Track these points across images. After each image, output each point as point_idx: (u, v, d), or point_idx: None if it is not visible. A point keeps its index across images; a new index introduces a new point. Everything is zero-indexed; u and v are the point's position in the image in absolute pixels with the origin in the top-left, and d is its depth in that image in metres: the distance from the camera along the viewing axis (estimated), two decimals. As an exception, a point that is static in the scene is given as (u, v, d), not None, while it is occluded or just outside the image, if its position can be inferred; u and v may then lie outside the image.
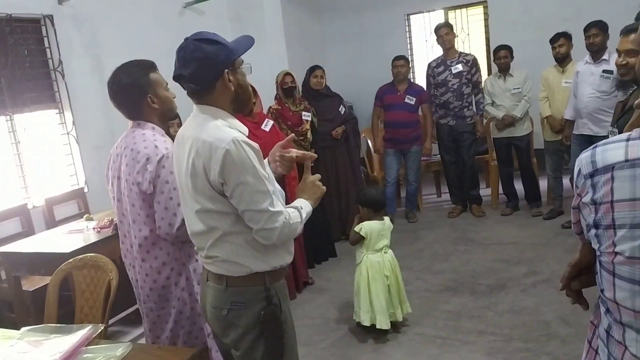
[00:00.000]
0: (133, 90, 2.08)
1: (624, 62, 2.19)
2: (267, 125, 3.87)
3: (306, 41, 6.91)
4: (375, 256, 3.28)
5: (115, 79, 2.11)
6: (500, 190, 5.57)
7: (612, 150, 0.94)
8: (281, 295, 1.76)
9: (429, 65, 5.36)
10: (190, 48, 1.64)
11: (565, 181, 4.93)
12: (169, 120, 2.28)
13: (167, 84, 2.17)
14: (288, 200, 3.49)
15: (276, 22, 5.52)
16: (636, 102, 1.16)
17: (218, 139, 1.59)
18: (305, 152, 1.97)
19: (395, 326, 3.32)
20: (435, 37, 5.27)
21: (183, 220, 1.96)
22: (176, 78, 1.70)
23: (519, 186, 5.33)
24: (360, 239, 3.26)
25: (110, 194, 2.24)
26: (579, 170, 0.98)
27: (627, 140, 0.93)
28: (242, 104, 1.78)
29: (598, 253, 0.96)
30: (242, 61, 1.75)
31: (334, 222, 4.90)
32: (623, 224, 0.89)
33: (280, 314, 1.73)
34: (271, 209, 1.63)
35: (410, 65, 5.28)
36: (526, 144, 5.14)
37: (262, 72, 5.00)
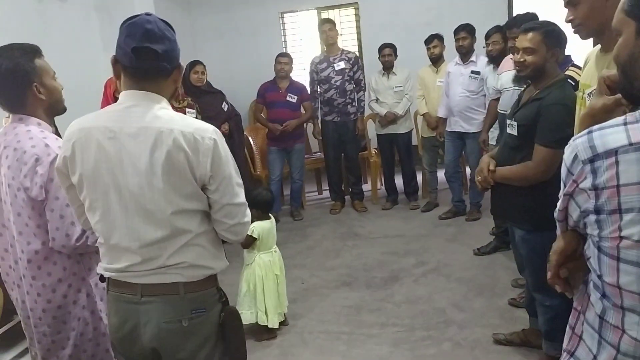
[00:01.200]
0: (16, 77, 1.76)
1: (521, 60, 2.33)
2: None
3: (178, 36, 6.46)
4: (267, 255, 3.22)
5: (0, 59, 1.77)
6: (379, 185, 5.78)
7: (611, 135, 0.95)
8: (226, 296, 1.67)
9: (312, 61, 5.38)
10: (160, 25, 1.49)
11: (440, 175, 5.24)
12: (56, 115, 1.94)
13: (54, 72, 1.88)
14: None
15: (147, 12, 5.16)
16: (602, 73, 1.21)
17: (200, 129, 1.46)
18: None
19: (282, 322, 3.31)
20: (318, 34, 5.30)
21: (84, 230, 1.74)
22: (137, 50, 1.42)
23: (398, 181, 5.56)
24: (254, 241, 3.17)
25: None
26: (575, 156, 0.98)
27: (625, 124, 0.94)
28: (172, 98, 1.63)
29: (597, 239, 0.97)
30: None
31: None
32: (631, 208, 0.91)
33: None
34: (245, 202, 1.58)
35: (292, 64, 5.23)
36: (407, 140, 5.37)
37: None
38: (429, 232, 4.70)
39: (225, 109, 4.77)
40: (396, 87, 5.23)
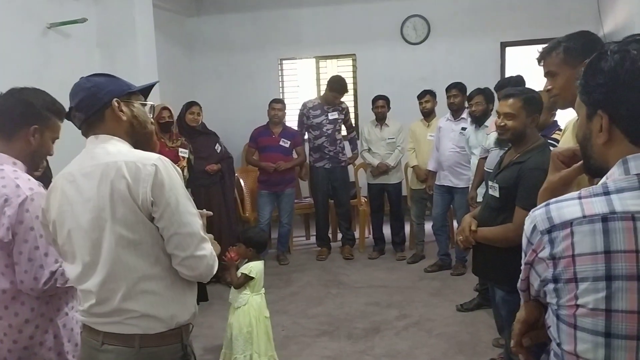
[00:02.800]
0: (24, 111, 1.81)
1: (502, 124, 2.42)
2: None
3: (178, 76, 6.71)
4: (258, 297, 3.20)
5: (16, 92, 1.84)
6: (367, 233, 5.80)
7: (567, 207, 0.99)
8: (194, 353, 1.61)
9: (304, 105, 5.48)
10: (81, 81, 1.60)
11: (427, 227, 5.27)
12: (33, 166, 1.92)
13: (55, 139, 1.93)
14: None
15: (149, 52, 5.26)
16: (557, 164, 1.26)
17: (143, 157, 1.48)
18: (201, 211, 1.76)
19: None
20: (327, 90, 5.42)
21: (52, 272, 1.73)
22: (67, 113, 1.62)
23: (386, 231, 5.59)
24: (248, 280, 3.14)
25: None
26: (534, 227, 1.02)
27: (579, 198, 0.99)
28: (141, 139, 1.63)
29: (555, 307, 1.00)
30: (144, 100, 1.68)
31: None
32: (586, 277, 0.94)
33: None
34: (201, 233, 1.52)
35: (285, 110, 5.34)
36: (397, 191, 5.43)
37: (133, 103, 4.74)
38: (414, 285, 4.69)
39: (218, 151, 4.82)
40: (389, 138, 5.33)
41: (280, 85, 7.16)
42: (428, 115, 5.16)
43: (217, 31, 7.08)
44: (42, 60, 4.30)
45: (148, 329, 1.49)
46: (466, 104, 4.60)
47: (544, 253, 1.00)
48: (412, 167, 5.24)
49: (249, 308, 3.12)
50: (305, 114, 5.43)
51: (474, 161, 4.24)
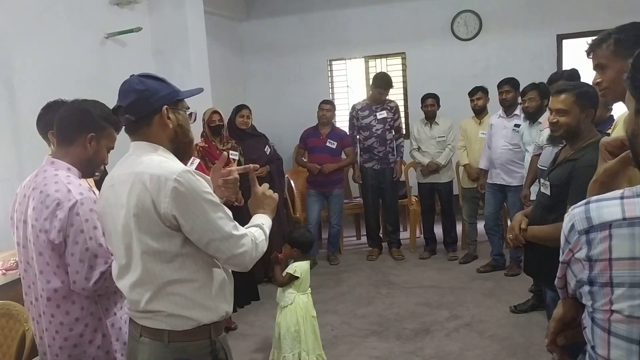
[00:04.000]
0: (84, 118, 1.90)
1: (554, 120, 2.34)
2: (193, 163, 3.75)
3: (229, 79, 6.86)
4: (305, 296, 3.24)
5: (78, 102, 1.96)
6: (418, 233, 5.73)
7: (607, 208, 0.95)
8: (227, 349, 1.66)
9: (354, 107, 5.48)
10: (133, 81, 1.62)
11: (480, 226, 5.16)
12: (88, 173, 2.01)
13: (111, 148, 2.02)
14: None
15: (201, 58, 5.41)
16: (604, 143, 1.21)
17: (167, 171, 1.52)
18: (246, 166, 1.92)
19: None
20: (372, 86, 5.41)
21: (102, 273, 1.82)
22: (115, 111, 1.64)
23: (437, 230, 5.51)
24: (293, 280, 3.18)
25: (14, 238, 2.00)
26: (572, 226, 0.99)
27: (622, 198, 0.95)
28: (182, 146, 1.69)
29: (591, 309, 0.97)
30: (188, 107, 1.72)
31: (257, 264, 4.74)
32: (622, 282, 0.90)
33: None
34: (235, 232, 1.57)
35: (335, 111, 5.35)
36: (448, 190, 5.35)
37: (186, 108, 4.88)
38: (466, 285, 4.61)
39: (268, 153, 4.89)
40: (439, 137, 5.25)
41: (330, 87, 7.19)
42: (480, 112, 5.05)
43: (267, 34, 7.19)
44: (100, 69, 4.50)
45: (176, 326, 1.56)
46: (519, 100, 4.47)
47: (581, 254, 0.97)
48: (463, 165, 5.14)
49: (296, 307, 3.16)
50: (354, 115, 5.43)
51: (528, 158, 4.12)
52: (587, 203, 0.99)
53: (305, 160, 5.44)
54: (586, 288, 0.97)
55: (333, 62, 7.16)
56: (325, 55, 7.08)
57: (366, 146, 5.36)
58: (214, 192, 1.75)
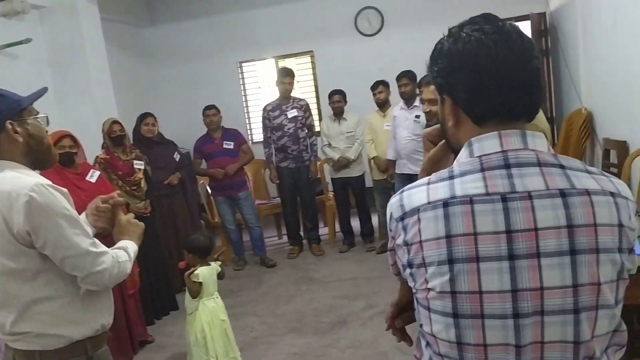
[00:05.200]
0: None
1: (427, 110, 2.46)
2: (93, 176, 3.64)
3: (137, 87, 6.70)
4: (210, 301, 3.22)
5: None
6: (337, 228, 5.84)
7: (416, 194, 1.02)
8: None
9: (265, 108, 5.50)
10: None
11: (393, 216, 5.30)
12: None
13: None
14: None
15: (101, 67, 5.24)
16: (425, 133, 1.29)
17: (19, 186, 1.46)
18: (110, 194, 1.81)
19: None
20: (276, 80, 5.45)
21: None
22: None
23: (354, 223, 5.63)
24: (200, 287, 3.17)
25: None
26: (391, 214, 1.06)
27: (428, 184, 1.02)
28: (39, 156, 1.62)
29: (414, 290, 1.04)
30: (37, 112, 1.63)
31: (174, 273, 4.70)
32: (431, 262, 0.97)
33: None
34: (94, 249, 1.53)
35: (220, 114, 5.37)
36: (361, 183, 5.48)
37: (87, 120, 4.73)
38: (382, 274, 4.74)
39: (177, 159, 4.83)
40: (347, 132, 5.37)
41: (242, 89, 7.17)
42: (383, 105, 5.21)
43: (173, 39, 7.07)
44: None
45: (47, 346, 1.53)
46: (417, 91, 4.64)
47: (400, 240, 1.03)
48: (372, 158, 5.29)
49: (200, 314, 3.15)
50: (266, 116, 5.44)
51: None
52: (402, 192, 1.06)
53: (204, 168, 5.37)
54: (408, 271, 1.03)
55: (243, 64, 7.14)
56: (235, 58, 7.06)
57: (280, 146, 5.39)
58: (86, 218, 1.73)
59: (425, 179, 1.04)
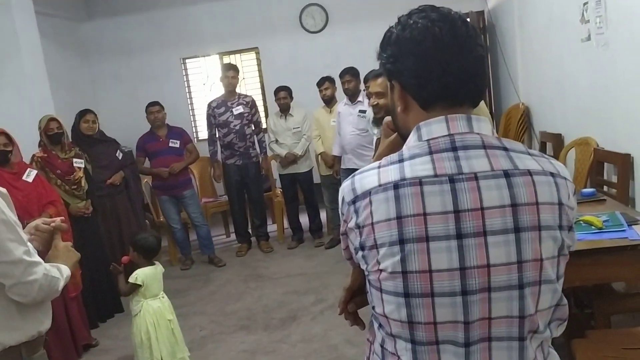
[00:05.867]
0: None
1: (375, 103, 2.50)
2: (30, 175, 3.49)
3: (75, 83, 6.46)
4: (155, 302, 3.16)
5: None
6: (286, 224, 5.83)
7: (367, 177, 1.04)
8: None
9: (209, 105, 5.42)
10: None
11: (341, 211, 5.35)
12: None
13: None
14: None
15: (36, 62, 5.02)
16: (383, 127, 1.32)
17: None
18: (56, 221, 1.72)
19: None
20: (220, 76, 5.38)
21: None
22: None
23: (303, 219, 5.64)
24: (136, 288, 3.11)
25: None
26: (343, 198, 1.07)
27: (379, 167, 1.04)
28: None
29: (367, 273, 1.05)
30: None
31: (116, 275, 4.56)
32: (383, 243, 0.99)
33: None
34: (27, 258, 1.47)
35: (164, 111, 5.24)
36: (309, 179, 5.49)
37: (22, 117, 4.52)
38: (330, 269, 4.77)
39: (120, 157, 4.68)
40: (294, 128, 5.37)
41: (186, 85, 7.03)
42: (329, 101, 5.24)
43: (112, 35, 6.86)
44: None
45: None
46: (362, 87, 4.69)
47: (352, 223, 1.04)
48: (319, 154, 5.31)
49: (145, 314, 3.08)
50: (211, 113, 5.36)
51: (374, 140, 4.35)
52: (353, 176, 1.07)
53: (147, 167, 5.23)
54: (360, 253, 1.04)
55: (187, 60, 7.01)
56: (179, 54, 6.92)
57: (226, 143, 5.32)
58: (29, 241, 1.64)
59: (376, 163, 1.06)
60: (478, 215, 0.96)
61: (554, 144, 4.26)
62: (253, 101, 5.47)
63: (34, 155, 3.93)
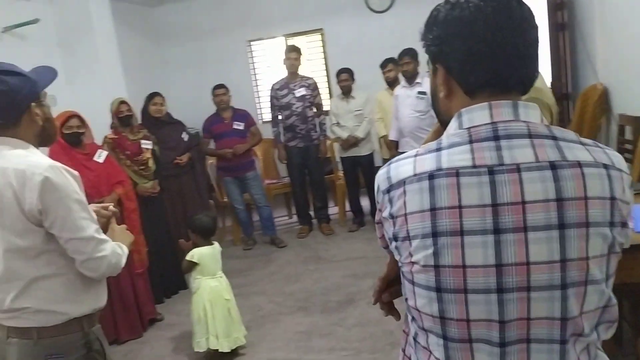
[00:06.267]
0: None
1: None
2: (101, 156, 3.65)
3: (146, 67, 6.68)
4: (213, 280, 3.24)
5: None
6: (347, 207, 5.82)
7: (403, 166, 0.99)
8: (102, 340, 1.66)
9: (272, 87, 5.46)
10: None
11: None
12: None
13: None
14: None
15: (110, 47, 5.24)
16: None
17: (33, 165, 1.49)
18: (109, 207, 1.82)
19: (235, 351, 3.29)
20: (283, 58, 5.40)
21: None
22: None
23: (364, 202, 5.61)
24: (193, 266, 3.21)
25: None
26: (378, 187, 1.03)
27: (415, 155, 0.99)
28: (48, 137, 1.67)
29: (400, 264, 1.02)
30: (46, 93, 1.66)
31: (183, 253, 4.72)
32: (416, 235, 0.95)
33: (105, 358, 1.63)
34: (97, 235, 1.57)
35: (229, 93, 5.32)
36: (370, 162, 5.43)
37: (96, 100, 4.73)
38: (391, 253, 4.72)
39: (186, 139, 4.82)
40: (356, 110, 5.31)
41: (252, 67, 7.12)
42: (392, 83, 5.13)
43: (183, 18, 7.03)
44: None
45: (45, 322, 1.54)
46: (421, 69, 4.58)
47: (386, 212, 1.01)
48: (381, 137, 5.24)
49: (202, 292, 3.17)
50: (274, 95, 5.41)
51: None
52: (389, 164, 1.03)
53: (212, 148, 5.35)
54: (394, 244, 1.01)
55: (252, 43, 7.08)
56: (244, 36, 7.00)
57: (288, 125, 5.36)
58: None
59: (413, 151, 1.01)
60: (518, 210, 0.90)
61: (634, 128, 3.96)
62: (315, 83, 5.45)
63: (105, 137, 4.12)
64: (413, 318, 1.03)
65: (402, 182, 0.97)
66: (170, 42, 7.13)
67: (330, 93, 6.78)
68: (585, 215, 0.89)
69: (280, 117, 5.42)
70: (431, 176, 0.94)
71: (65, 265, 1.56)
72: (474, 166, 0.92)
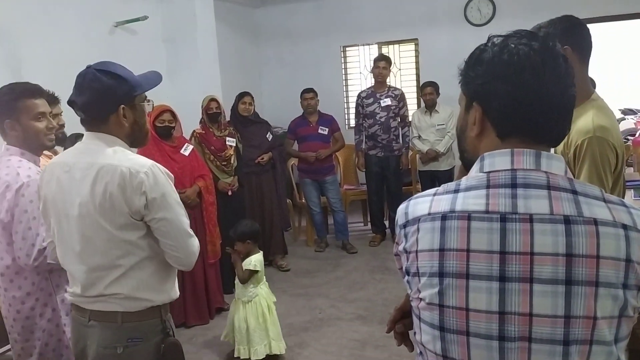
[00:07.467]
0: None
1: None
2: (187, 149, 3.89)
3: (242, 66, 6.97)
4: (265, 286, 3.33)
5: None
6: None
7: (421, 204, 1.02)
8: (173, 327, 1.78)
9: (359, 95, 5.53)
10: (88, 77, 1.62)
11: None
12: (37, 150, 2.10)
13: (45, 113, 2.07)
14: (205, 226, 3.48)
15: (209, 45, 5.53)
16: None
17: (137, 164, 1.61)
18: None
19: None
20: (372, 66, 5.45)
21: (40, 250, 1.93)
22: (70, 103, 1.67)
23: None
24: (254, 274, 3.24)
25: None
26: (397, 221, 1.07)
27: (434, 194, 1.02)
28: (137, 140, 1.77)
29: (410, 298, 1.05)
30: (145, 97, 1.75)
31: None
32: (424, 272, 0.97)
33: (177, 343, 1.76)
34: (190, 231, 1.72)
35: (317, 98, 5.41)
36: (448, 177, 5.34)
37: (193, 95, 5.03)
38: (459, 273, 4.63)
39: (270, 139, 5.01)
40: (438, 125, 5.26)
41: (344, 73, 7.22)
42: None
43: (281, 20, 7.26)
44: (110, 58, 4.53)
45: (130, 308, 1.67)
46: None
47: (401, 247, 1.04)
48: (464, 154, 5.13)
49: (260, 299, 3.24)
50: (360, 103, 5.47)
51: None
52: (409, 200, 1.06)
53: (295, 150, 5.48)
54: (406, 277, 1.04)
55: (347, 48, 7.18)
56: (339, 42, 7.11)
57: (370, 133, 5.40)
58: None
59: (433, 190, 1.04)
60: (526, 260, 0.90)
61: None
62: (402, 94, 5.45)
63: (194, 131, 4.38)
64: (420, 352, 1.06)
65: (417, 220, 1.01)
66: (267, 43, 7.39)
67: (418, 104, 6.71)
68: (596, 275, 0.88)
69: (363, 124, 5.47)
70: (444, 217, 0.97)
71: (156, 256, 1.69)
72: (487, 212, 0.94)
